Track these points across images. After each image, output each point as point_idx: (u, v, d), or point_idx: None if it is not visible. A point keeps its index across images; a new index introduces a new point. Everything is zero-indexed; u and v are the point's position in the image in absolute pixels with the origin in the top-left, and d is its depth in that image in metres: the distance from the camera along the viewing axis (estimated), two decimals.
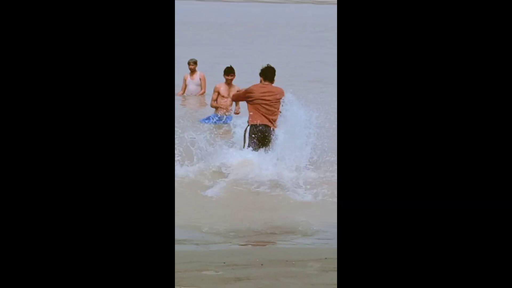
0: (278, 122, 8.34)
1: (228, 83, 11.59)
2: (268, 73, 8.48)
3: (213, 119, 11.22)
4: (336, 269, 3.10)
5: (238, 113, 11.12)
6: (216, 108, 11.55)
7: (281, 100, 8.28)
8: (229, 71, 11.58)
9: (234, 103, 11.11)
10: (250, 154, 8.13)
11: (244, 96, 8.54)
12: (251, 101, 8.38)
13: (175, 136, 7.71)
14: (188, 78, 14.19)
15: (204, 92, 14.06)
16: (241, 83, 11.65)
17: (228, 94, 11.47)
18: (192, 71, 14.15)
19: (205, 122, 11.28)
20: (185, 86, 14.17)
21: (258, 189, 7.63)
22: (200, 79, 14.15)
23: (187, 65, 13.97)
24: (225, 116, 11.34)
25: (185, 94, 14.10)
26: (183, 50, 17.68)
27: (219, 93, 11.59)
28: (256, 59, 19.19)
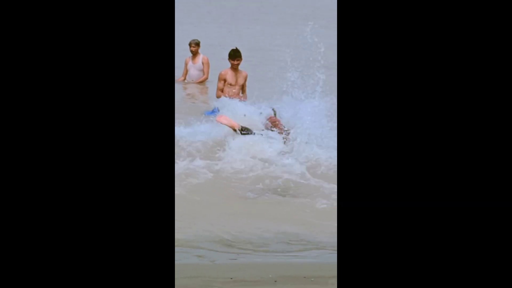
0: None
1: (235, 68, 10.94)
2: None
3: (219, 111, 10.49)
4: None
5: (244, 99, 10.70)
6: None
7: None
8: (235, 55, 10.88)
9: (241, 90, 10.76)
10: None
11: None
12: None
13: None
14: (190, 62, 13.63)
15: (207, 78, 13.42)
16: (246, 68, 11.17)
17: (236, 81, 10.89)
18: (194, 54, 13.57)
19: (210, 115, 10.53)
20: (186, 71, 13.60)
21: (266, 195, 7.57)
22: (202, 63, 13.51)
23: (185, 48, 13.38)
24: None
25: (186, 80, 13.62)
26: (182, 29, 17.29)
27: (225, 81, 10.90)
28: (260, 41, 18.86)
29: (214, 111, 10.68)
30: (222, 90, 10.92)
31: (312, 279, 5.06)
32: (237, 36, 20.07)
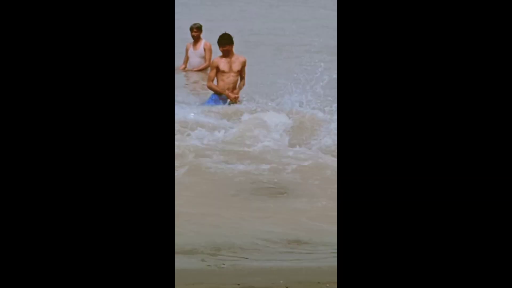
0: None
1: (226, 55, 10.62)
2: None
3: (215, 100, 10.53)
4: None
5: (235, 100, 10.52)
6: (217, 92, 10.64)
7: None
8: (221, 41, 10.59)
9: (239, 79, 10.65)
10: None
11: None
12: None
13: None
14: (191, 49, 13.53)
15: (208, 66, 13.18)
16: (240, 53, 11.04)
17: (231, 68, 10.58)
18: (196, 40, 13.40)
19: (210, 104, 10.55)
20: (187, 58, 13.49)
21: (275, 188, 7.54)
22: (204, 49, 13.37)
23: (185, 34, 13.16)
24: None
25: (187, 69, 13.47)
26: (180, 12, 17.19)
27: (218, 69, 10.61)
28: (255, 24, 18.71)
29: (209, 101, 10.59)
30: (213, 80, 10.68)
31: (327, 285, 5.01)
32: (227, 19, 19.92)
